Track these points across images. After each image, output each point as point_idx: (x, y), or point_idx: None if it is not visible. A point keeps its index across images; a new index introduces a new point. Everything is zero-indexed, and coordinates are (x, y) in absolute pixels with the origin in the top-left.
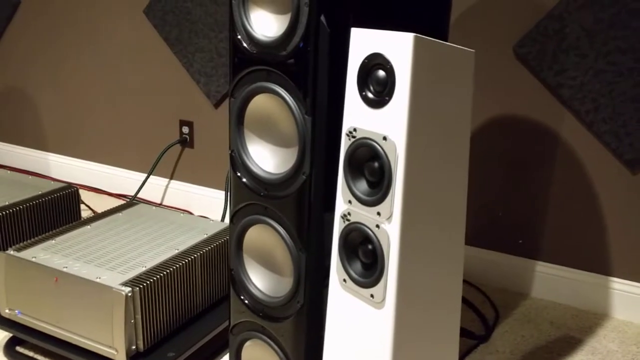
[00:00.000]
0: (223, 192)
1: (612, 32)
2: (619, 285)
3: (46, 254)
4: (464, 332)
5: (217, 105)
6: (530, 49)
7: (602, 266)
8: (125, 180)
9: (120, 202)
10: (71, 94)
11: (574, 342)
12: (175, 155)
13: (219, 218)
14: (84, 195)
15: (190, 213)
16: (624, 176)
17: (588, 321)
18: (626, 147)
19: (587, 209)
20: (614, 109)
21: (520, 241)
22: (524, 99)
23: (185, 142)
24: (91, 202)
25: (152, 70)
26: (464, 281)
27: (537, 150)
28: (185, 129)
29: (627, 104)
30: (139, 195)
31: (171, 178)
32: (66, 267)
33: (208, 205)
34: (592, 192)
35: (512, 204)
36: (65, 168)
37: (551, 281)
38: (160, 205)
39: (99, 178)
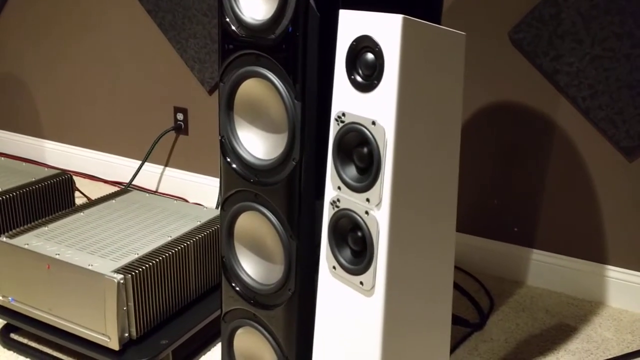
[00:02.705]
0: (218, 180)
1: (609, 17)
2: (614, 274)
3: (39, 241)
4: (459, 320)
5: (211, 91)
6: (525, 34)
7: (598, 254)
8: (120, 167)
9: (116, 189)
10: (66, 81)
11: (569, 330)
12: (170, 142)
13: (214, 205)
14: (80, 182)
15: (185, 200)
16: (620, 163)
17: (583, 309)
18: (622, 134)
19: (583, 197)
20: (611, 96)
21: (516, 229)
22: (520, 86)
23: (180, 128)
24: (86, 190)
25: (146, 57)
26: (459, 269)
27: (533, 138)
28: (180, 116)
29: (624, 91)
30: (134, 183)
31: (166, 165)
32: (58, 254)
33: (203, 192)
34: (588, 179)
35: (508, 191)
36: (61, 155)
37: (546, 269)
38: (155, 192)
39: (94, 165)
